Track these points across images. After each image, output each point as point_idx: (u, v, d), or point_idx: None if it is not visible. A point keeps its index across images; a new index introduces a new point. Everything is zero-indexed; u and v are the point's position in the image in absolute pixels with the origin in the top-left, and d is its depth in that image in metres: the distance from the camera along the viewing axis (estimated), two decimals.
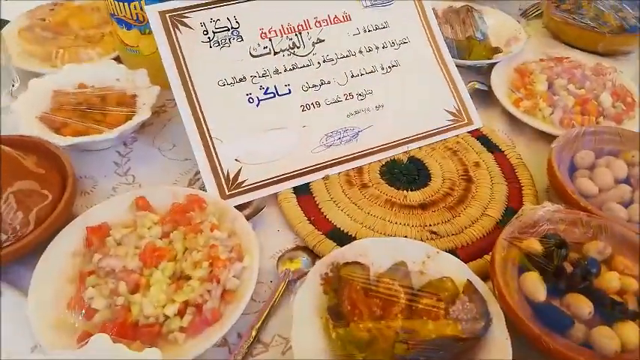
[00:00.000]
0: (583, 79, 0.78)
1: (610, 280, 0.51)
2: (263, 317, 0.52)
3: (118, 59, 0.78)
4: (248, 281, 0.52)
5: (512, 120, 0.77)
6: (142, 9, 0.69)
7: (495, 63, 0.82)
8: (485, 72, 0.83)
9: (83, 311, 0.50)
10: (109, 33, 0.85)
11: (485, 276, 0.54)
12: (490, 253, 0.57)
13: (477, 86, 0.79)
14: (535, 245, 0.53)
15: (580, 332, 0.48)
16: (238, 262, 0.54)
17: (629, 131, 0.68)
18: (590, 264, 0.52)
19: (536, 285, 0.50)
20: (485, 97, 0.79)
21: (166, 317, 0.49)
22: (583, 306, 0.49)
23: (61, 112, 0.68)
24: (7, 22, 0.88)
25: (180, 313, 0.50)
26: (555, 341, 0.46)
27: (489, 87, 0.79)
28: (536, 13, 1.00)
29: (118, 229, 0.56)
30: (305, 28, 0.71)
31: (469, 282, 0.51)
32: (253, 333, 0.51)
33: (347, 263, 0.53)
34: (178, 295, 0.50)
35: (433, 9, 0.83)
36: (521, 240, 0.54)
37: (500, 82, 0.80)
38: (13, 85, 0.77)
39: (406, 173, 0.67)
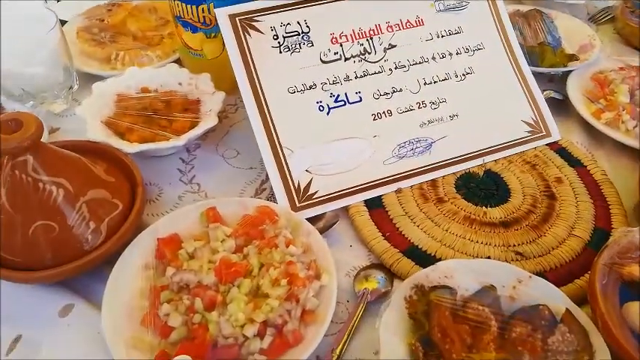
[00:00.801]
0: None
1: None
2: (344, 340, 0.49)
3: (177, 62, 0.77)
4: (328, 301, 0.50)
5: (591, 132, 0.72)
6: (210, 12, 0.67)
7: (570, 71, 0.78)
8: (558, 80, 0.79)
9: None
10: (168, 35, 0.84)
11: (578, 303, 0.50)
12: (582, 278, 0.54)
13: (552, 95, 0.75)
14: (636, 272, 0.49)
15: None
16: (316, 280, 0.51)
17: None
18: None
19: None
20: (560, 107, 0.75)
21: (246, 338, 0.47)
22: None
23: (126, 117, 0.66)
24: (64, 22, 0.87)
25: (260, 334, 0.47)
26: None
27: (565, 96, 0.75)
28: (606, 17, 0.95)
29: (190, 242, 0.54)
30: (376, 33, 0.68)
31: (568, 311, 0.48)
32: (334, 357, 0.48)
33: (434, 287, 0.49)
34: (257, 315, 0.48)
35: None
36: (622, 266, 0.50)
37: (576, 91, 0.76)
38: (71, 88, 0.76)
39: (483, 188, 0.64)
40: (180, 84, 0.72)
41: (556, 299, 0.49)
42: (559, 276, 0.54)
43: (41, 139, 0.49)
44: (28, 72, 0.69)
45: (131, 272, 0.52)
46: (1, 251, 0.50)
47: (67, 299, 0.52)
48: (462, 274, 0.51)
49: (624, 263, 0.50)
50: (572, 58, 0.80)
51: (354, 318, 0.51)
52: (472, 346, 0.46)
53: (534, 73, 0.75)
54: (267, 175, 0.62)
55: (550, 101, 0.74)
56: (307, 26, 0.66)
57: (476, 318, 0.48)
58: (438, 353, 0.45)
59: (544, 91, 0.75)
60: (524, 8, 0.90)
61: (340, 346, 0.49)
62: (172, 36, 0.82)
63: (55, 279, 0.51)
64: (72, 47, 0.79)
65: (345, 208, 0.61)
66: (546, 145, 0.69)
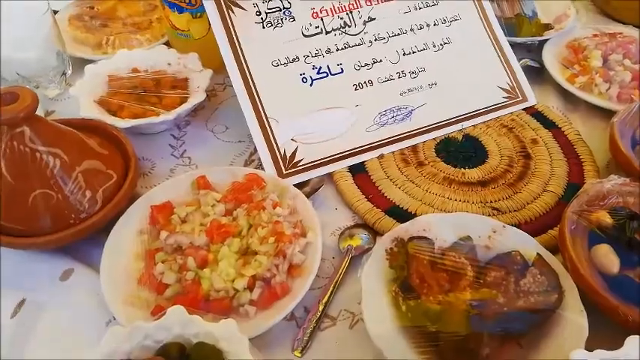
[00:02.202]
0: (639, 54, 0.76)
1: None
2: (330, 291, 0.52)
3: (166, 45, 0.79)
4: (313, 256, 0.53)
5: (567, 96, 0.75)
6: None
7: (546, 40, 0.81)
8: (536, 50, 0.81)
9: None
10: (156, 20, 0.86)
11: (552, 251, 0.53)
12: (555, 228, 0.57)
13: (529, 63, 0.78)
14: (605, 218, 0.52)
15: None
16: (302, 237, 0.54)
17: None
18: None
19: (609, 257, 0.50)
20: (537, 74, 0.78)
21: (236, 291, 0.50)
22: None
23: (118, 95, 0.69)
24: (56, 11, 0.89)
25: (250, 287, 0.50)
26: (634, 312, 0.45)
27: (542, 64, 0.78)
28: None
29: (182, 208, 0.57)
30: (356, 7, 0.70)
31: (539, 255, 0.51)
32: (321, 307, 0.51)
33: (412, 238, 0.52)
34: (247, 270, 0.51)
35: None
36: (590, 213, 0.53)
37: (552, 59, 0.78)
38: (64, 73, 0.78)
39: (462, 151, 0.67)
40: (169, 64, 0.74)
41: (528, 246, 0.52)
42: (533, 228, 0.57)
43: (36, 112, 0.52)
44: (22, 57, 0.72)
45: (127, 237, 0.55)
46: (2, 220, 0.53)
47: (67, 264, 0.55)
48: (439, 227, 0.54)
49: (592, 210, 0.53)
50: (548, 27, 0.83)
51: (339, 271, 0.54)
52: (449, 290, 0.49)
53: (512, 44, 0.78)
54: (255, 147, 0.65)
55: (527, 69, 0.77)
56: (288, 2, 0.68)
57: (453, 265, 0.51)
58: (417, 297, 0.48)
59: (521, 59, 0.78)
60: None
61: (326, 297, 0.52)
62: (160, 20, 0.85)
63: (55, 245, 0.54)
64: (64, 35, 0.81)
65: (330, 174, 0.64)
66: (523, 109, 0.72)
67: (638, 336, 0.42)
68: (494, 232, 0.54)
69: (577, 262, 0.49)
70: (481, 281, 0.50)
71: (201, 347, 0.43)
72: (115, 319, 0.49)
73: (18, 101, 0.50)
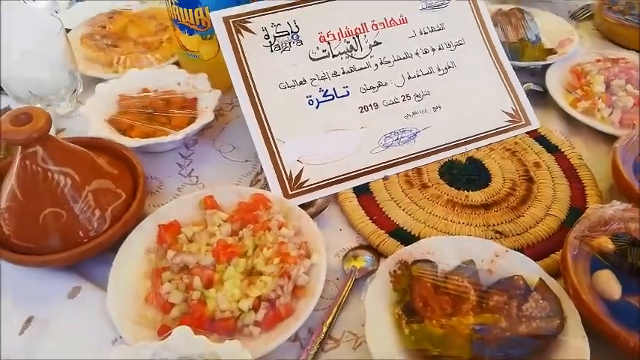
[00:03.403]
0: None
1: None
2: (333, 313, 0.53)
3: (175, 64, 0.81)
4: (317, 277, 0.53)
5: (570, 121, 0.76)
6: (205, 15, 0.71)
7: (550, 64, 0.82)
8: (539, 74, 0.82)
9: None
10: (167, 40, 0.88)
11: (554, 275, 0.54)
12: (557, 253, 0.58)
13: (532, 87, 0.79)
14: (607, 244, 0.53)
15: None
16: (307, 259, 0.55)
17: None
18: None
19: (610, 283, 0.50)
20: (540, 98, 0.79)
21: (241, 312, 0.51)
22: None
23: (128, 114, 0.70)
24: (68, 30, 0.91)
25: (255, 308, 0.51)
26: (635, 338, 0.45)
27: (545, 88, 0.79)
28: (586, 15, 0.99)
29: (189, 227, 0.58)
30: (362, 31, 0.72)
31: (541, 280, 0.51)
32: (324, 329, 0.52)
33: (416, 261, 0.53)
34: (252, 290, 0.51)
35: None
36: (592, 239, 0.54)
37: (555, 83, 0.79)
38: (75, 91, 0.80)
39: (465, 174, 0.67)
40: (178, 84, 0.76)
41: (531, 270, 0.53)
42: (536, 252, 0.58)
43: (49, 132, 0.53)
44: (35, 76, 0.73)
45: (134, 256, 0.56)
46: (13, 237, 0.54)
47: (75, 282, 0.56)
48: (442, 250, 0.55)
49: (594, 236, 0.54)
50: (551, 52, 0.84)
51: (343, 293, 0.54)
52: (452, 314, 0.49)
53: (516, 68, 0.79)
54: (261, 167, 0.66)
55: (530, 93, 0.78)
56: (296, 26, 0.70)
57: (455, 289, 0.51)
58: (420, 320, 0.48)
59: (524, 84, 0.79)
60: (506, 7, 0.94)
61: (330, 318, 0.52)
62: (171, 41, 0.86)
63: (64, 263, 0.55)
64: (76, 53, 0.83)
65: (335, 195, 0.65)
66: (526, 133, 0.73)
67: None
68: (497, 256, 0.54)
69: (579, 288, 0.49)
70: (484, 305, 0.50)
71: None
72: (121, 337, 0.50)
73: (32, 122, 0.51)
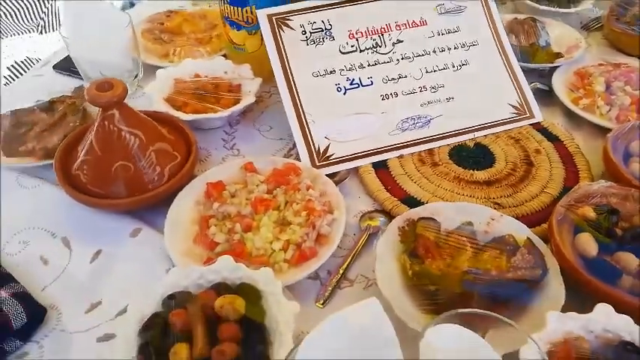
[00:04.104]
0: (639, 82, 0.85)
1: None
2: (349, 259, 0.63)
3: (224, 57, 0.93)
4: (337, 229, 0.63)
5: (571, 117, 0.84)
6: (252, 13, 0.83)
7: (557, 67, 0.90)
8: (547, 75, 0.91)
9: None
10: (216, 36, 1.00)
11: (543, 240, 0.62)
12: (547, 222, 0.66)
13: (538, 86, 0.88)
14: (589, 212, 0.61)
15: (628, 282, 0.55)
16: (329, 214, 0.65)
17: None
18: None
19: (589, 243, 0.58)
20: (546, 96, 0.88)
21: (273, 251, 0.61)
22: (631, 261, 0.56)
23: (182, 95, 0.82)
24: None
25: (284, 249, 0.61)
26: (607, 287, 0.54)
27: (550, 87, 0.87)
28: (597, 26, 1.07)
29: (232, 185, 0.69)
30: (387, 30, 0.82)
31: (529, 239, 0.60)
32: (341, 271, 0.61)
33: (422, 218, 0.62)
34: (282, 235, 0.62)
35: None
36: (577, 208, 0.62)
37: (560, 83, 0.88)
38: (137, 76, 0.93)
39: (472, 156, 0.76)
40: (225, 72, 0.87)
41: (521, 232, 0.62)
42: (529, 221, 0.66)
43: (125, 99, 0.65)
44: (106, 59, 0.86)
45: (186, 206, 0.67)
46: (89, 184, 0.66)
47: (136, 224, 0.67)
48: (446, 212, 0.64)
49: (579, 206, 0.62)
50: (559, 55, 0.93)
51: (359, 244, 0.64)
52: (450, 263, 0.59)
53: (526, 69, 0.88)
54: (294, 144, 0.77)
55: (537, 91, 0.87)
56: (330, 24, 0.81)
57: (454, 243, 0.60)
58: (421, 263, 0.58)
59: (532, 82, 0.88)
60: (521, 16, 1.03)
61: (346, 263, 0.62)
62: (219, 36, 0.99)
63: (128, 207, 0.67)
64: (139, 45, 0.96)
65: (356, 169, 0.75)
66: (530, 125, 0.82)
67: (607, 304, 0.51)
68: (493, 219, 0.63)
69: (560, 245, 0.58)
70: (478, 257, 0.59)
71: (245, 287, 0.54)
72: (174, 267, 0.61)
73: (112, 89, 0.63)
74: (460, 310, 0.45)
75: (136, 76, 0.93)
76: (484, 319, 0.44)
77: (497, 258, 0.59)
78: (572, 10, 1.06)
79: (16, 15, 1.61)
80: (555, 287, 0.56)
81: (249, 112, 0.87)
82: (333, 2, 0.82)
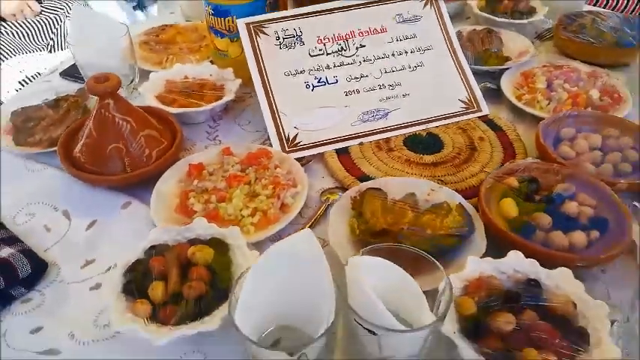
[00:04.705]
0: (577, 80, 0.96)
1: (570, 207, 0.68)
2: (309, 224, 0.72)
3: (211, 62, 1.05)
4: (300, 200, 0.73)
5: (516, 111, 0.95)
6: (233, 22, 0.95)
7: (506, 69, 1.02)
8: (497, 76, 1.02)
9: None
10: (204, 46, 1.13)
11: (476, 208, 0.72)
12: None
13: (488, 85, 0.99)
14: (513, 182, 0.71)
15: (540, 237, 0.65)
16: (293, 187, 0.75)
17: (607, 115, 0.85)
18: (556, 196, 0.69)
19: (510, 205, 0.68)
20: (495, 95, 0.98)
21: (242, 217, 0.71)
22: (544, 219, 0.66)
23: (171, 93, 0.94)
24: None
25: (252, 215, 0.71)
26: (523, 239, 0.63)
27: (499, 87, 0.98)
28: (549, 35, 1.19)
29: (211, 166, 0.80)
30: (351, 36, 0.94)
31: (460, 204, 0.70)
32: None
33: (370, 188, 0.73)
34: (251, 204, 0.72)
35: (459, 31, 1.07)
36: (504, 178, 0.72)
37: (508, 83, 0.99)
38: (133, 80, 1.05)
39: (423, 143, 0.87)
40: (211, 75, 0.99)
41: (455, 200, 0.72)
42: (467, 194, 0.76)
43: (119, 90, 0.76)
44: (105, 64, 0.98)
45: (170, 184, 0.78)
46: (86, 164, 0.77)
47: (127, 198, 0.77)
48: (392, 185, 0.74)
49: (505, 177, 0.72)
50: (507, 59, 1.04)
51: (317, 213, 0.74)
52: (391, 223, 0.68)
53: (479, 71, 0.99)
54: (267, 136, 0.88)
55: (487, 90, 0.98)
56: (300, 31, 0.93)
57: (398, 209, 0.70)
58: (367, 223, 0.67)
59: (483, 82, 0.99)
60: (479, 27, 1.15)
61: (306, 227, 0.72)
62: (207, 47, 1.11)
63: (120, 183, 0.77)
64: (136, 53, 1.08)
65: (321, 154, 0.85)
66: (478, 117, 0.92)
67: (518, 251, 0.60)
68: (433, 190, 0.73)
69: (485, 207, 0.68)
70: (417, 219, 0.69)
71: (214, 240, 0.64)
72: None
73: (108, 81, 0.75)
74: (385, 244, 0.55)
75: (132, 81, 1.04)
76: (416, 263, 0.54)
77: (433, 220, 0.68)
78: (526, 21, 1.18)
79: (28, 35, 1.75)
80: (479, 242, 0.66)
81: (231, 109, 0.98)
82: (304, 12, 0.94)
